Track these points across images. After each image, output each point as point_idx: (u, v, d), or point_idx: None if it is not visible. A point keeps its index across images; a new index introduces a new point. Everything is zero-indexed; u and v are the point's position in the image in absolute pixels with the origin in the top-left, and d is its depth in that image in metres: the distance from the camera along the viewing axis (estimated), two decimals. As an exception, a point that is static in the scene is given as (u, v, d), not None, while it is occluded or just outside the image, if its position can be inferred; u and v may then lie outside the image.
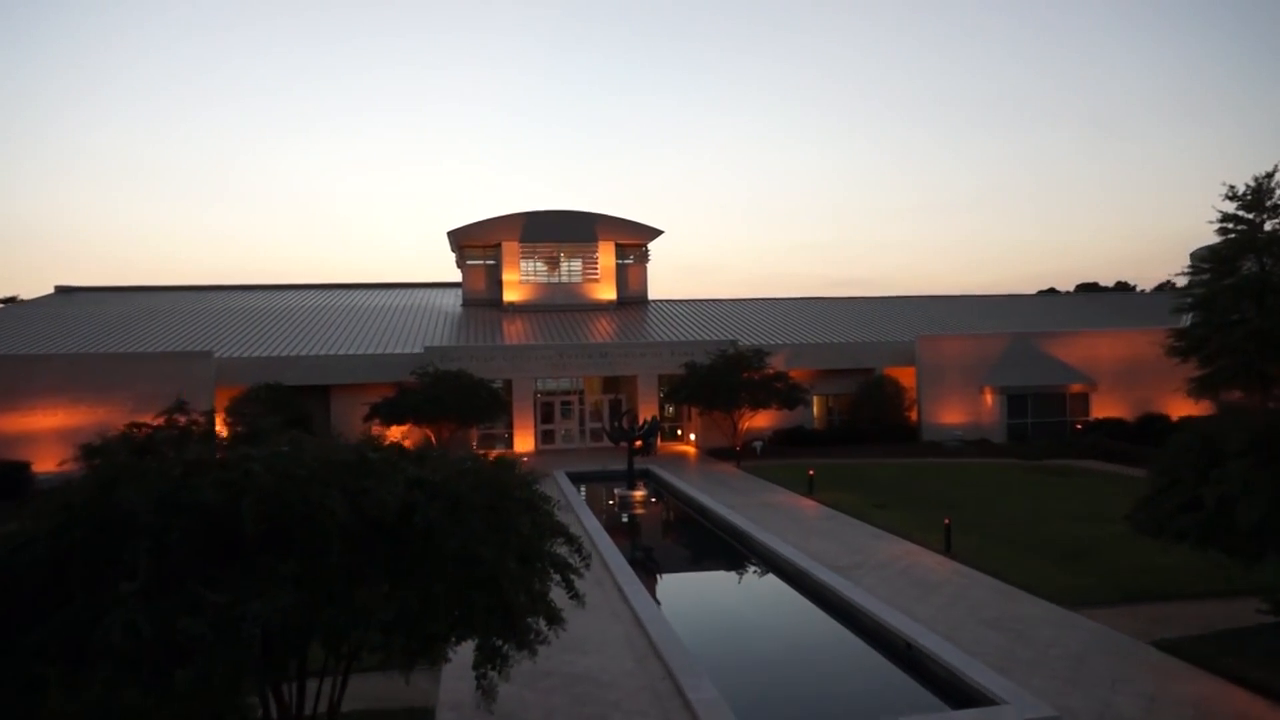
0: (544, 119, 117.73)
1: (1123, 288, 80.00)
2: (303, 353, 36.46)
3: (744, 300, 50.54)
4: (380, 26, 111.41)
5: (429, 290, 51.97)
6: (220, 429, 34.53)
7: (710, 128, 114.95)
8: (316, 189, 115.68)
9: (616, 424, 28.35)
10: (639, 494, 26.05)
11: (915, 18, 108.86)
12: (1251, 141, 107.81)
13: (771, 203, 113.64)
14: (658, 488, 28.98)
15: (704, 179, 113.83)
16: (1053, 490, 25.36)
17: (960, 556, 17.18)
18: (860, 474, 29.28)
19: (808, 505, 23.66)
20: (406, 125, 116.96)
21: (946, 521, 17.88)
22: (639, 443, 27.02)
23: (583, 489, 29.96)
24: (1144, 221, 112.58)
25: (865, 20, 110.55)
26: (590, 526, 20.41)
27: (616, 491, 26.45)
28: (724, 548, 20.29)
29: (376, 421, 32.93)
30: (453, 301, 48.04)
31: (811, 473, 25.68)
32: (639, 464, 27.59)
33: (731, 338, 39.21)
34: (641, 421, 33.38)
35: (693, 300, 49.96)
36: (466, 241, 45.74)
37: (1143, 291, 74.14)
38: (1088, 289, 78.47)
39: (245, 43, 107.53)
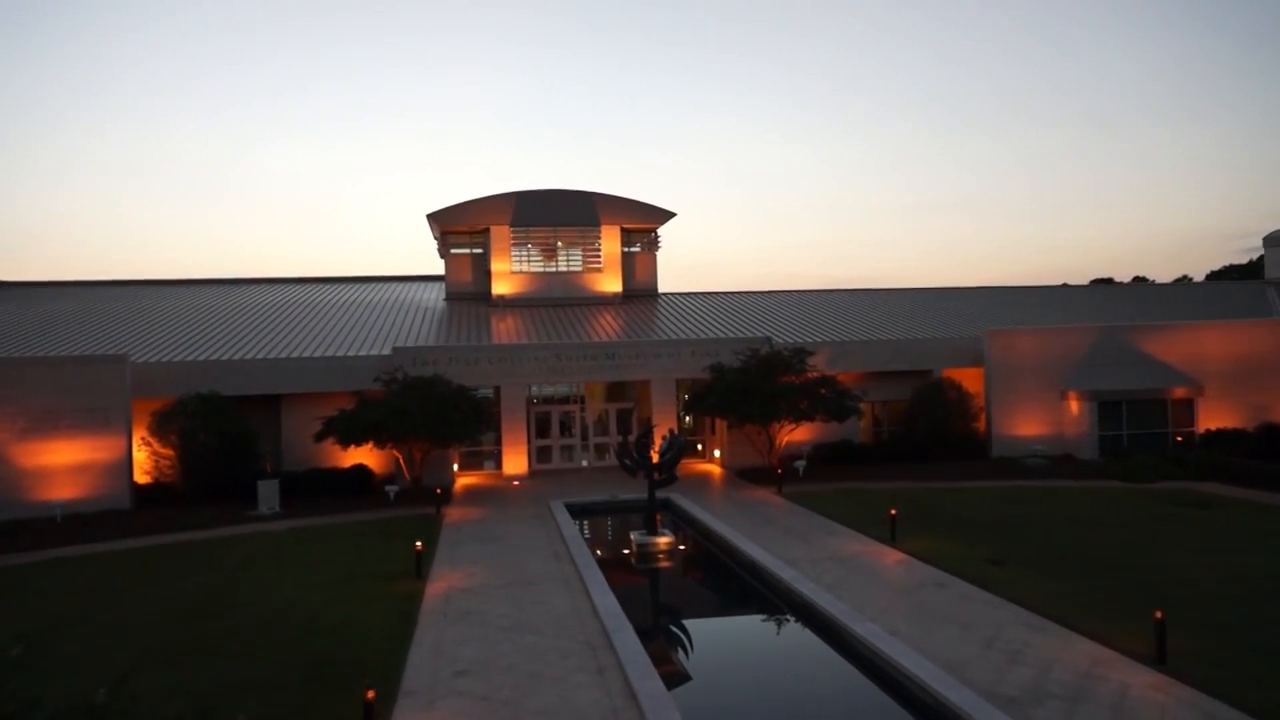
0: (536, 119, 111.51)
1: (1139, 282, 74.46)
2: (250, 355, 30.16)
3: (769, 292, 44.21)
4: (371, 10, 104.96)
5: (409, 284, 45.58)
6: (139, 454, 28.46)
7: (704, 128, 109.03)
8: (302, 184, 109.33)
9: (625, 439, 21.65)
10: (663, 541, 19.70)
11: (911, 18, 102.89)
12: (1249, 138, 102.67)
13: (765, 203, 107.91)
14: (685, 527, 22.71)
15: (697, 179, 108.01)
16: (1213, 533, 19.07)
17: (1192, 676, 10.88)
18: (938, 506, 23.02)
19: (896, 560, 17.36)
20: (397, 122, 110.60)
21: (1159, 615, 11.53)
22: (659, 473, 20.67)
23: (587, 527, 23.69)
24: (1141, 219, 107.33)
25: (862, 20, 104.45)
26: (604, 608, 14.09)
27: (634, 538, 20.08)
28: (803, 643, 13.82)
29: (330, 440, 26.67)
30: (435, 296, 41.73)
31: (894, 513, 19.34)
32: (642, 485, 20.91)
33: (764, 334, 32.94)
34: (660, 439, 27.05)
35: (710, 293, 43.65)
36: (450, 226, 39.45)
37: (1163, 285, 68.41)
38: (1101, 285, 72.78)
39: (215, 34, 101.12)
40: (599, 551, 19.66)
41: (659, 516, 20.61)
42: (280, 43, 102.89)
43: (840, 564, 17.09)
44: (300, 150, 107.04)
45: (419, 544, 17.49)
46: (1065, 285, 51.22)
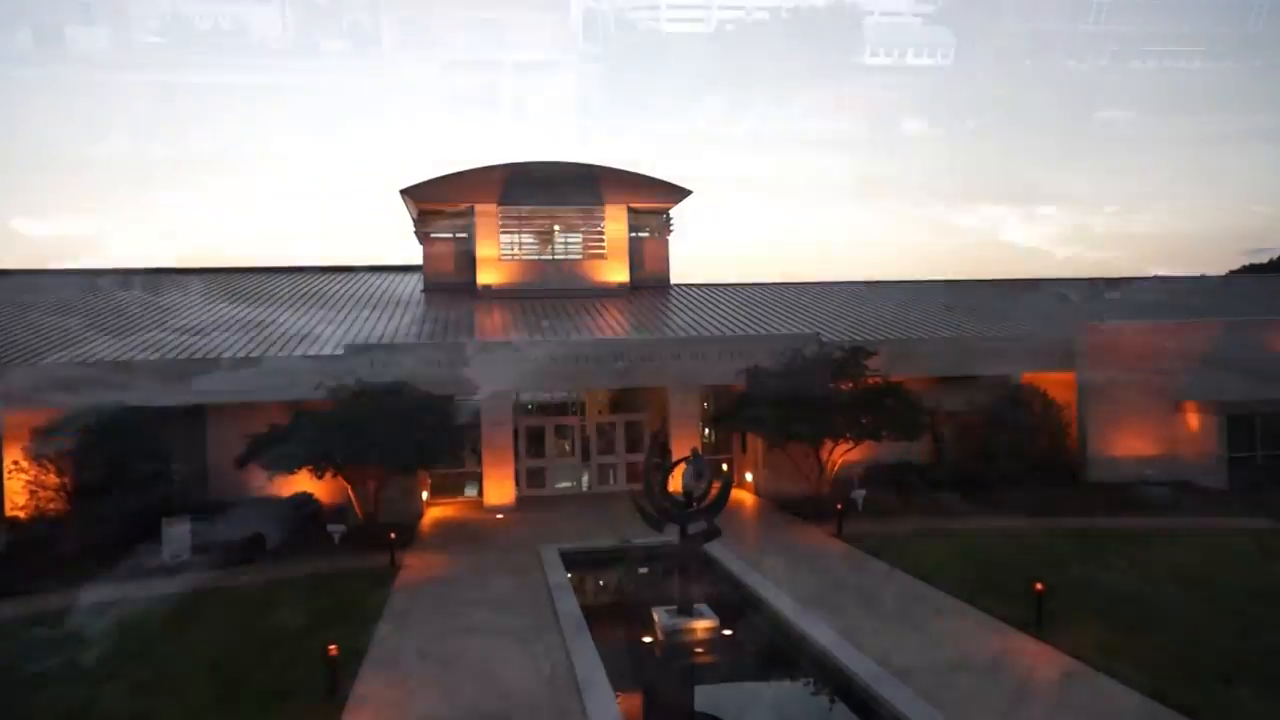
0: (530, 118, 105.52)
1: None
2: (169, 356, 24.13)
3: (801, 284, 38.15)
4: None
5: (382, 275, 39.47)
6: (11, 483, 21.94)
7: (696, 127, 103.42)
8: (299, 180, 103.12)
9: (649, 471, 15.56)
10: (701, 626, 13.61)
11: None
12: (1249, 139, 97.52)
13: (764, 201, 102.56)
14: (720, 586, 16.64)
15: (695, 178, 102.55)
16: None
17: None
18: (1065, 560, 17.00)
19: (1065, 671, 11.31)
20: (388, 119, 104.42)
21: None
22: (704, 520, 14.59)
23: (589, 590, 17.66)
24: (1141, 219, 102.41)
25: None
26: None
27: (659, 619, 13.92)
28: None
29: (258, 465, 20.62)
30: (412, 288, 35.72)
31: (1040, 588, 13.25)
32: (672, 533, 14.61)
33: (808, 330, 26.94)
34: (681, 463, 20.88)
35: (731, 284, 37.63)
36: (428, 204, 33.43)
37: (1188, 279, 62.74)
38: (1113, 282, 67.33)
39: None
40: (604, 636, 13.46)
41: (693, 587, 14.53)
42: (272, 35, 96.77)
43: (984, 679, 11.05)
44: (297, 146, 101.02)
45: (333, 647, 11.41)
46: (1156, 276, 44.97)
